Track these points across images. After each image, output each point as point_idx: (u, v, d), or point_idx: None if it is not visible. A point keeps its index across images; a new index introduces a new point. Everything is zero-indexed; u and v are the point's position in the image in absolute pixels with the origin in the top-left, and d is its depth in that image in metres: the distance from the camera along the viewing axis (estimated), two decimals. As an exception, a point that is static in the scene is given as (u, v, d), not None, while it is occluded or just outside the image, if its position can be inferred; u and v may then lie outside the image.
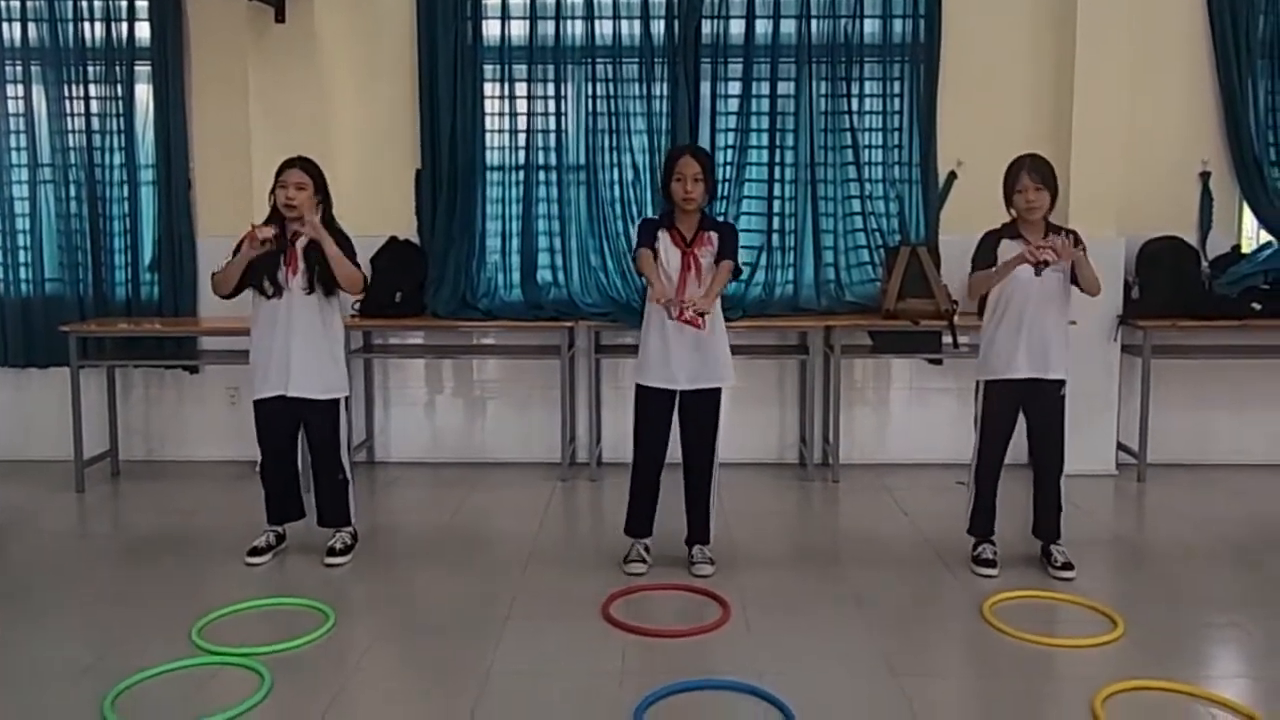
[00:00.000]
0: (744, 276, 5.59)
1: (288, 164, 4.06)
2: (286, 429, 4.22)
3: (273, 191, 4.06)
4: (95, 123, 5.71)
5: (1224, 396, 5.76)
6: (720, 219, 4.41)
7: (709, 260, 3.98)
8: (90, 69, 5.69)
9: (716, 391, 4.04)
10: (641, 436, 4.08)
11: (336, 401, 4.21)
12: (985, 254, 4.02)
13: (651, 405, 4.04)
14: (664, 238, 4.00)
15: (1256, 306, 5.39)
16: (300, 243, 4.06)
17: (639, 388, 4.06)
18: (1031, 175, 3.90)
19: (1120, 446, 5.65)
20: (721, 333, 4.05)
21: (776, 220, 5.66)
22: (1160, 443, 5.59)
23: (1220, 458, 5.75)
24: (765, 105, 5.62)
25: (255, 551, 4.22)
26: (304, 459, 4.38)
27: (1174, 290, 5.46)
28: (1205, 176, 5.66)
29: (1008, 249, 3.96)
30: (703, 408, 4.04)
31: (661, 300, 3.82)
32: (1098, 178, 5.39)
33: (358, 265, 4.16)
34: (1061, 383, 4.03)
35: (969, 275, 4.12)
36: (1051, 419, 4.06)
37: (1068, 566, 4.02)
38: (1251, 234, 5.80)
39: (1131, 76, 5.46)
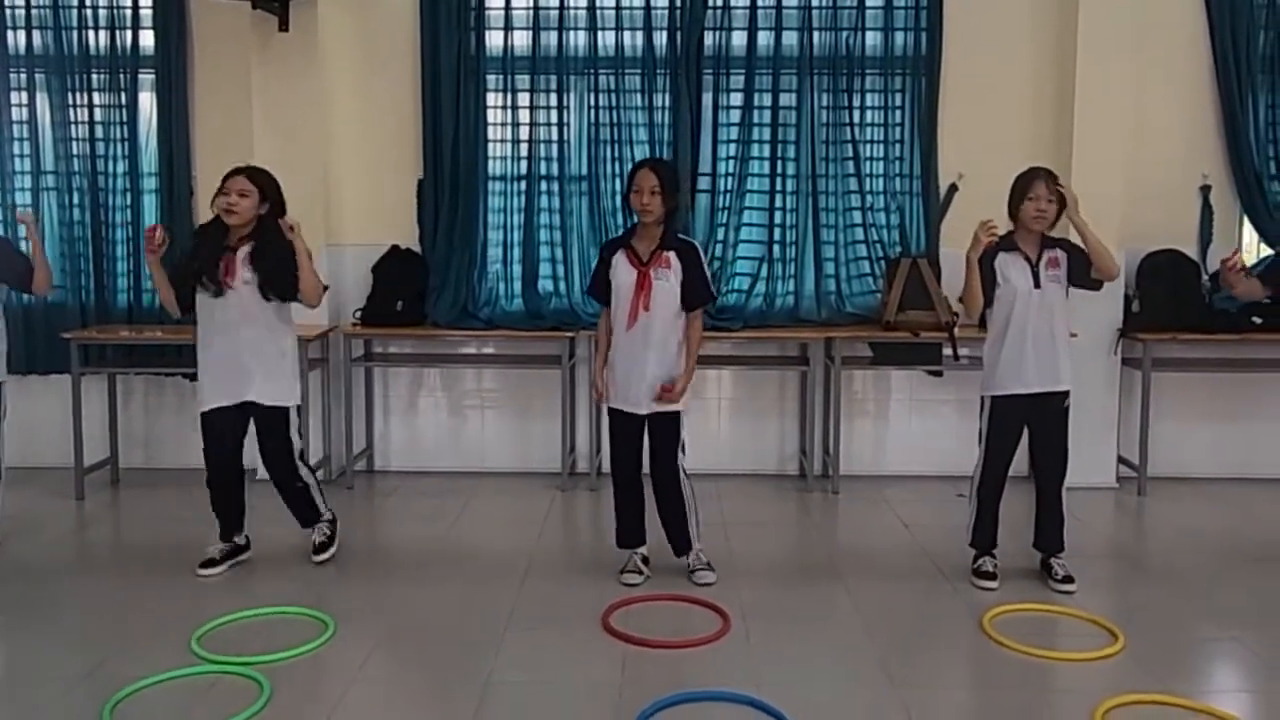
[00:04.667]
0: (744, 287, 5.61)
1: (234, 172, 4.07)
2: (233, 440, 4.15)
3: (214, 198, 4.05)
4: (99, 130, 5.72)
5: (1224, 410, 5.76)
6: (683, 237, 4.14)
7: (664, 283, 3.96)
8: (94, 77, 5.71)
9: (675, 413, 4.05)
10: (615, 454, 4.16)
11: (286, 410, 4.17)
12: (984, 268, 4.03)
13: (619, 426, 4.11)
14: (620, 259, 4.03)
15: (1256, 320, 5.40)
16: (242, 251, 4.03)
17: (609, 410, 4.14)
18: (1048, 184, 3.93)
19: (1120, 460, 5.65)
20: (680, 357, 4.04)
21: (777, 231, 5.67)
22: (1161, 456, 5.59)
23: (1221, 471, 5.74)
24: (767, 116, 5.63)
25: (209, 563, 4.17)
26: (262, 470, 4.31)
27: (1174, 303, 5.48)
28: (1206, 190, 5.67)
29: (1005, 263, 3.99)
30: (663, 429, 4.06)
31: (595, 392, 4.12)
32: (1099, 191, 5.35)
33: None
34: (1066, 394, 4.04)
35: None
36: (1056, 430, 4.06)
37: (1068, 580, 4.02)
38: (1251, 247, 5.80)
39: (1132, 90, 5.48)
